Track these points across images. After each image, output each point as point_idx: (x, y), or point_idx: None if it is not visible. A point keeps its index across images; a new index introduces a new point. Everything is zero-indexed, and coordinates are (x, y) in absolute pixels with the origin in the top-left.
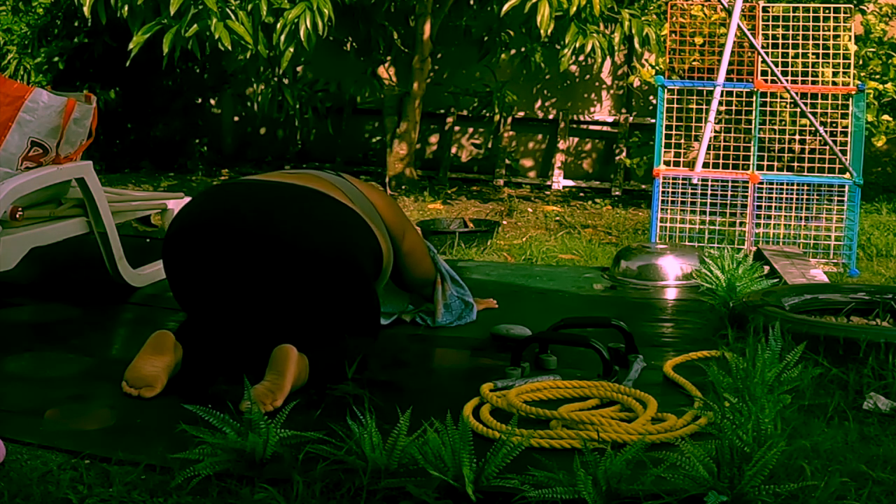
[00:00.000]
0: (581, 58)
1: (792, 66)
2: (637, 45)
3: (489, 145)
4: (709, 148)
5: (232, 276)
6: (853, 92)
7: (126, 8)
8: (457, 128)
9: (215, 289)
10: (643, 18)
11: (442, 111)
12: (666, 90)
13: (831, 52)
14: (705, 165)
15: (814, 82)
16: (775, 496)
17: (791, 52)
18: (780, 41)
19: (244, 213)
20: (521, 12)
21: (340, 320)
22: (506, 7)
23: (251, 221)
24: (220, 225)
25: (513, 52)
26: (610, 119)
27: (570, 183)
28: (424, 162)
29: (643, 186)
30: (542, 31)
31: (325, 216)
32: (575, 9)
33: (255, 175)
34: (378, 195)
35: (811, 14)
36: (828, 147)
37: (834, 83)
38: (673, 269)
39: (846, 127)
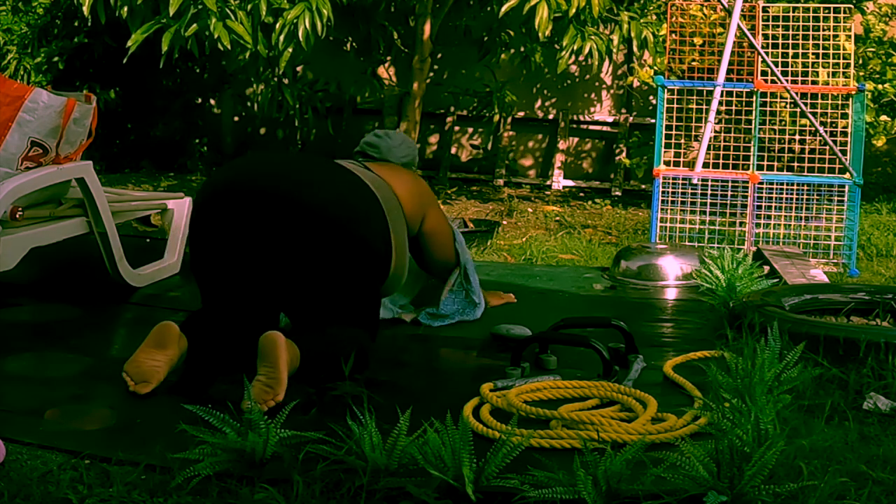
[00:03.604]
0: (581, 58)
1: (792, 66)
2: (635, 48)
3: (489, 145)
4: (709, 148)
5: (248, 233)
6: (853, 92)
7: (125, 8)
8: (457, 128)
9: (232, 248)
10: (642, 20)
11: (442, 111)
12: (666, 90)
13: (831, 52)
14: (705, 165)
15: (814, 82)
16: (775, 496)
17: (791, 52)
18: (780, 41)
19: (262, 173)
20: (520, 13)
21: (341, 283)
22: (504, 8)
23: (268, 179)
24: (241, 185)
25: (512, 51)
26: (610, 119)
27: (570, 183)
28: (424, 162)
29: (643, 186)
30: (540, 34)
31: (334, 178)
32: (574, 10)
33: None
34: (396, 174)
35: (811, 14)
36: (828, 147)
37: (834, 83)
38: (673, 269)
39: (846, 127)
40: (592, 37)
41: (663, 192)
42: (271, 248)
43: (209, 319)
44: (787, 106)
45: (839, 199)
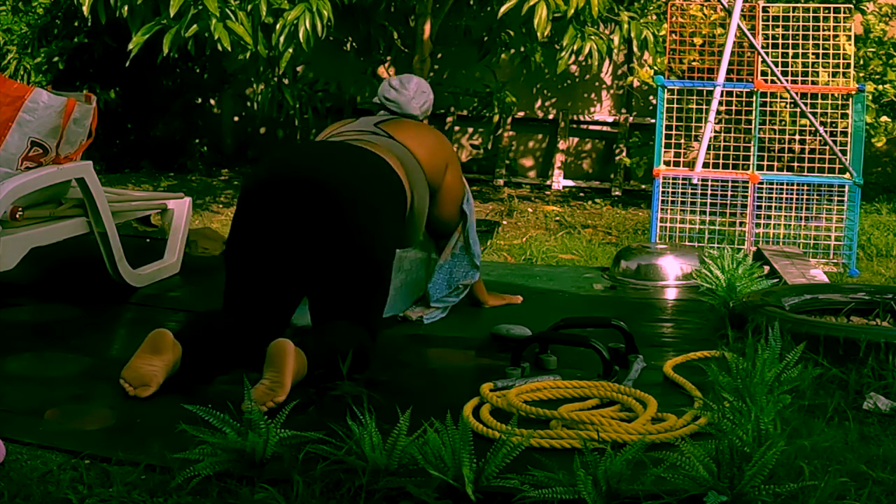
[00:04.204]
0: (581, 58)
1: (792, 67)
2: (635, 48)
3: (489, 145)
4: (709, 148)
5: (277, 216)
6: (853, 92)
7: (126, 8)
8: (457, 128)
9: (264, 230)
10: (642, 21)
11: (442, 111)
12: (666, 90)
13: (831, 52)
14: (705, 165)
15: (814, 82)
16: (775, 496)
17: (791, 52)
18: (780, 41)
19: (292, 161)
20: (519, 14)
21: (353, 257)
22: (503, 9)
23: (293, 168)
24: (277, 173)
25: (512, 51)
26: (610, 119)
27: (570, 183)
28: None
29: (643, 186)
30: (539, 34)
31: (352, 160)
32: (573, 11)
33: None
34: (415, 135)
35: (811, 14)
36: (828, 147)
37: (834, 83)
38: (673, 269)
39: (846, 127)
40: (592, 37)
41: (663, 192)
42: (294, 230)
43: (212, 321)
44: (787, 106)
45: (839, 199)
